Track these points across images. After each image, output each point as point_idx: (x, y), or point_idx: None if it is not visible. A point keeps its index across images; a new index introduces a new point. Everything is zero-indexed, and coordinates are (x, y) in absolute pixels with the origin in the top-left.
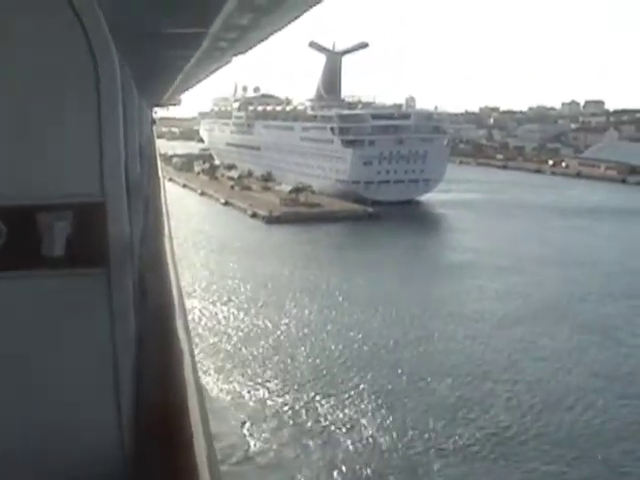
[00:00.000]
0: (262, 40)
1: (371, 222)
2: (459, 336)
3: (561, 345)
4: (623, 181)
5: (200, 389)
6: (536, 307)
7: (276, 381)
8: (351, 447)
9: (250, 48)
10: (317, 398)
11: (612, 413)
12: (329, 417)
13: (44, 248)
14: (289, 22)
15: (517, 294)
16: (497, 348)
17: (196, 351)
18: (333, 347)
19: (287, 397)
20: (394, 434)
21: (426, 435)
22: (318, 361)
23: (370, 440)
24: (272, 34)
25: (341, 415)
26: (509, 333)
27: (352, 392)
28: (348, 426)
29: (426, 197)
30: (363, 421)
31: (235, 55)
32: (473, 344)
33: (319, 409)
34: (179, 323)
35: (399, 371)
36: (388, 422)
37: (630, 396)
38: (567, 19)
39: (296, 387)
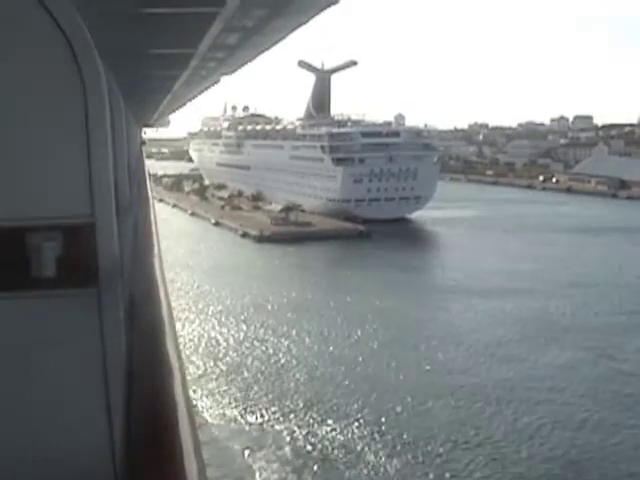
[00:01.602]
0: (250, 60)
1: (362, 241)
2: (450, 358)
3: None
4: (614, 196)
5: (190, 407)
6: (530, 329)
7: (265, 401)
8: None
9: (238, 68)
10: (311, 421)
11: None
12: (327, 441)
13: (34, 269)
14: (276, 42)
15: (509, 314)
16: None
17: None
18: (324, 368)
19: (276, 418)
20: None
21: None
22: (307, 382)
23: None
24: (260, 54)
25: (340, 439)
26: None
27: (341, 414)
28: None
29: (417, 215)
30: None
31: (223, 75)
32: (469, 367)
33: (315, 431)
34: (169, 342)
35: (395, 395)
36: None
37: None
38: (554, 36)
39: (288, 411)
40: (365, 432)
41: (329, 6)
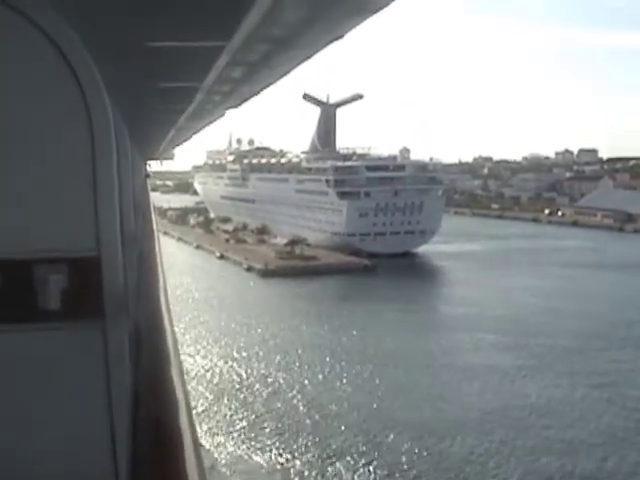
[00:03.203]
0: (255, 93)
1: (367, 275)
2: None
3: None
4: (620, 229)
5: (196, 438)
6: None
7: (267, 434)
8: None
9: (243, 101)
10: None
11: None
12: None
13: (39, 301)
14: (281, 76)
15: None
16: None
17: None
18: (336, 407)
19: (280, 452)
20: None
21: None
22: (312, 418)
23: None
24: (265, 88)
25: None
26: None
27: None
28: None
29: (422, 249)
30: None
31: (229, 108)
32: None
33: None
34: (175, 374)
35: (409, 435)
36: None
37: None
38: (557, 70)
39: (293, 445)
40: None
41: (334, 41)
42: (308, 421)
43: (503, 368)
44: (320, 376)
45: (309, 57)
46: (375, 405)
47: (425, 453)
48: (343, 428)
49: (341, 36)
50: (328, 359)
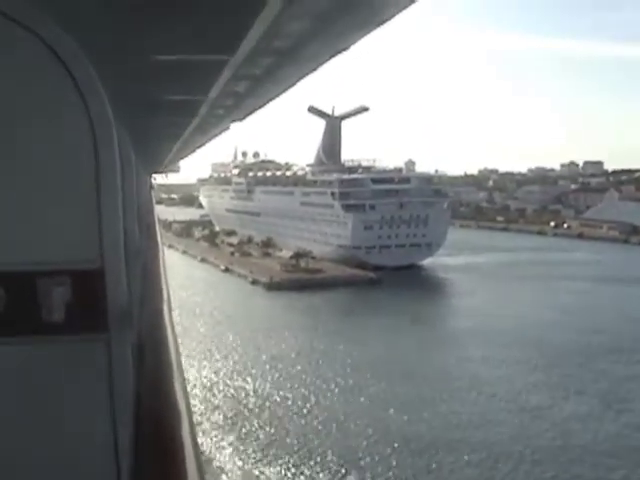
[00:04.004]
0: (259, 107)
1: (373, 288)
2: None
3: None
4: (626, 241)
5: (198, 451)
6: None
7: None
8: None
9: (248, 115)
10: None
11: None
12: None
13: (43, 314)
14: (285, 90)
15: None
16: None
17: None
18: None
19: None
20: None
21: None
22: (320, 434)
23: None
24: (269, 101)
25: None
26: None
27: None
28: None
29: (428, 261)
30: None
31: (233, 122)
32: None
33: None
34: (177, 387)
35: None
36: None
37: None
38: (563, 82)
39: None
40: None
41: (339, 53)
42: (310, 431)
43: (514, 382)
44: (331, 391)
45: (314, 70)
46: (391, 419)
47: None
48: (365, 444)
49: (346, 49)
50: (337, 373)
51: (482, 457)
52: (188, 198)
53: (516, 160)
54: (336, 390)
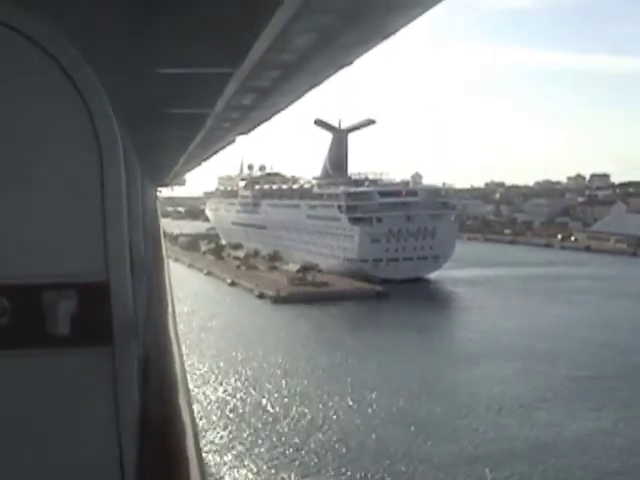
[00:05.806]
0: (265, 120)
1: (380, 301)
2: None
3: None
4: (633, 254)
5: (203, 465)
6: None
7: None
8: None
9: (254, 128)
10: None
11: None
12: None
13: (48, 326)
14: (291, 103)
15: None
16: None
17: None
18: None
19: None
20: None
21: None
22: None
23: None
24: (275, 114)
25: None
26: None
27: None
28: None
29: (435, 275)
30: None
31: (239, 135)
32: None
33: None
34: (182, 400)
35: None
36: None
37: None
38: (569, 95)
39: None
40: None
41: (343, 67)
42: (312, 447)
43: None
44: (342, 407)
45: (319, 83)
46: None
47: None
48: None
49: (350, 62)
50: (347, 389)
51: None
52: (194, 211)
53: (522, 173)
54: (346, 407)
